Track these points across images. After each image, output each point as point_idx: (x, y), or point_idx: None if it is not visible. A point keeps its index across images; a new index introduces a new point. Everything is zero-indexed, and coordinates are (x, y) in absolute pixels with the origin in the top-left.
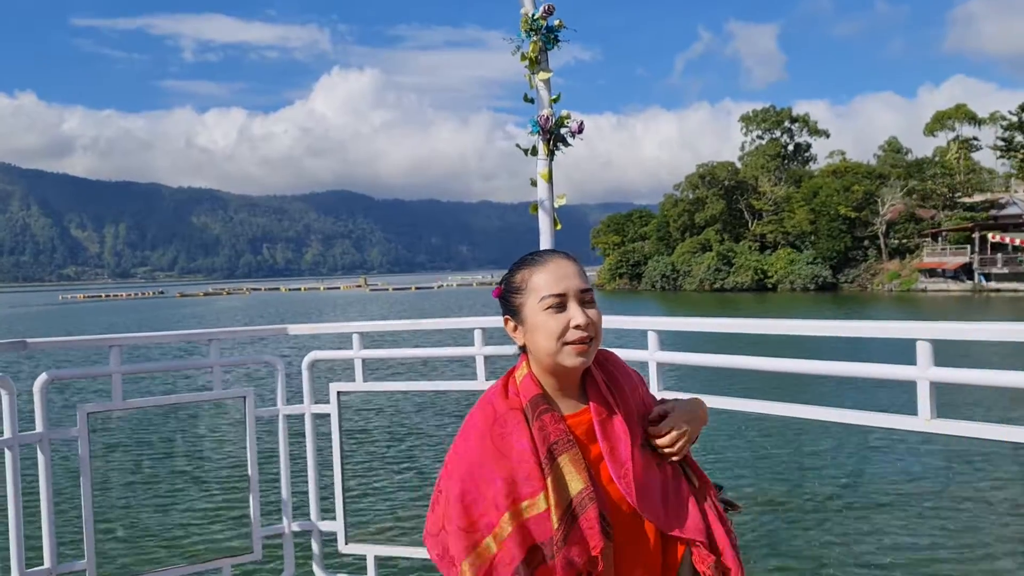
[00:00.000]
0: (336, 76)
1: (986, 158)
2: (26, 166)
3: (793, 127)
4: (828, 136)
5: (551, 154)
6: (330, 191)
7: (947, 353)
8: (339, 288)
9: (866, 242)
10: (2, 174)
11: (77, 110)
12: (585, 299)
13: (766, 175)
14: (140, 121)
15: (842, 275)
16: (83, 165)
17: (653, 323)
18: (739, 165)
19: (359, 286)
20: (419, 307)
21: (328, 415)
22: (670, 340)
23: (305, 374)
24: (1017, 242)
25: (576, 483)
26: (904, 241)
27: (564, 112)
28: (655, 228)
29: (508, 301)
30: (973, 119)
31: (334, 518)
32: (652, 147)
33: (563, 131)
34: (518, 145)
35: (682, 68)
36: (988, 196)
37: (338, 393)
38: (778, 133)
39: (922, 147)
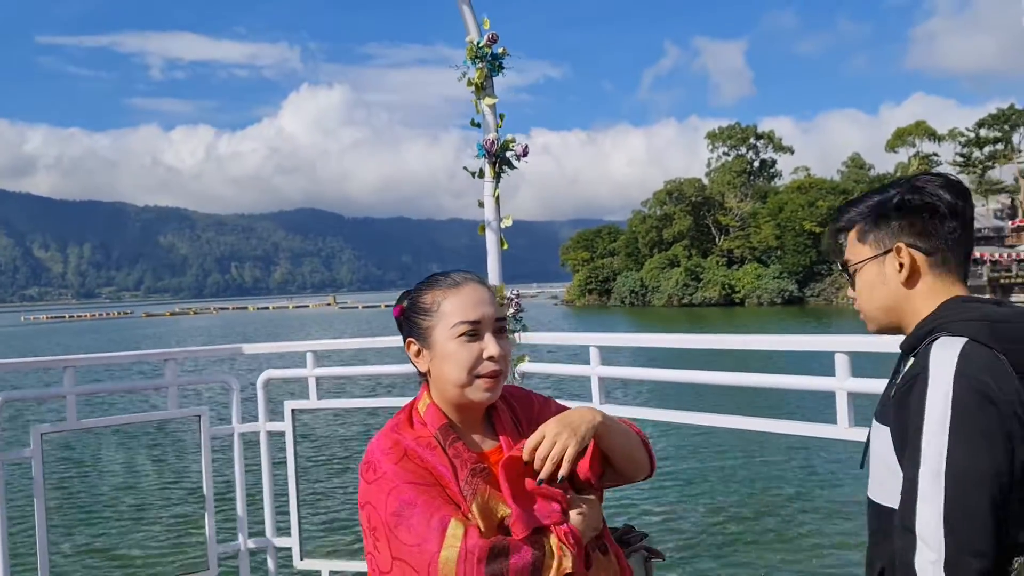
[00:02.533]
0: (305, 93)
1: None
2: None
3: (758, 144)
4: (792, 152)
5: (497, 176)
6: (299, 209)
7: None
8: (308, 306)
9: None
10: None
11: (41, 128)
12: (498, 328)
13: (732, 191)
14: (105, 139)
15: (808, 289)
16: (46, 184)
17: (595, 339)
18: (706, 181)
19: (329, 304)
20: (388, 325)
21: (283, 432)
22: (641, 356)
23: (260, 393)
24: (977, 255)
25: (502, 510)
26: None
27: (509, 136)
28: (624, 244)
29: (413, 323)
30: (933, 135)
31: (289, 534)
32: (621, 163)
33: (508, 154)
34: (465, 168)
35: (650, 83)
36: None
37: (292, 411)
38: (744, 150)
39: (884, 163)
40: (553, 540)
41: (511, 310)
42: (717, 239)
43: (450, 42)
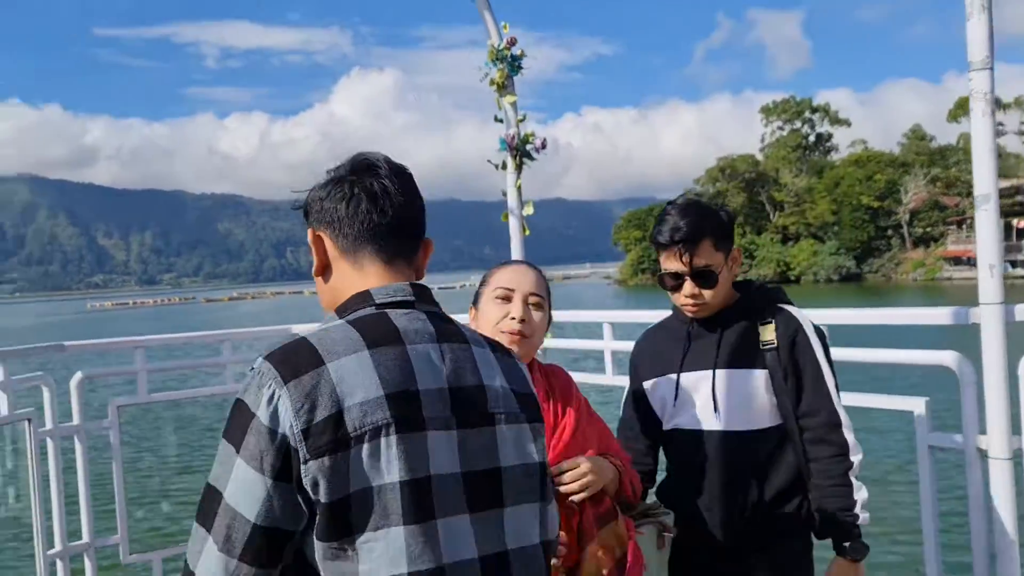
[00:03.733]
0: (356, 77)
1: (1011, 143)
2: (52, 176)
3: (814, 117)
4: (849, 125)
5: (519, 168)
6: None
7: None
8: None
9: (889, 231)
10: (30, 185)
11: (101, 120)
12: (531, 302)
13: (787, 166)
14: (163, 129)
15: (866, 265)
16: (108, 174)
17: (607, 316)
18: (760, 157)
19: None
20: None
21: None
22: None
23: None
24: None
25: None
26: (928, 230)
27: (529, 131)
28: None
29: (477, 293)
30: (998, 103)
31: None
32: (673, 140)
33: (528, 147)
34: (489, 160)
35: (702, 57)
36: (1014, 182)
37: (118, 407)
38: (799, 124)
39: (947, 134)
40: None
41: None
42: (771, 216)
43: (505, 20)
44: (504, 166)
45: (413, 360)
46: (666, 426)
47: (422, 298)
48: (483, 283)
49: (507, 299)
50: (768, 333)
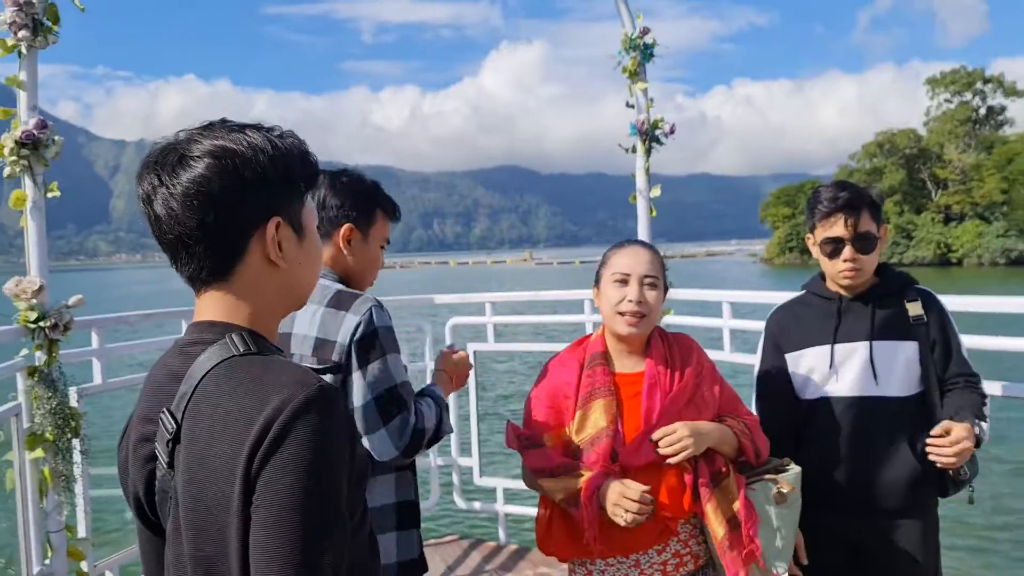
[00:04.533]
0: (505, 51)
1: None
2: None
3: (986, 89)
4: None
5: (648, 151)
6: (498, 166)
7: None
8: (505, 262)
9: None
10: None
11: (265, 93)
12: (646, 283)
13: (953, 142)
14: (321, 102)
15: None
16: None
17: (727, 296)
18: (923, 132)
19: (525, 260)
20: (579, 281)
21: None
22: None
23: (447, 335)
24: None
25: (600, 423)
26: None
27: (658, 116)
28: None
29: (597, 273)
30: None
31: (471, 455)
32: (830, 114)
33: (657, 132)
34: (620, 144)
35: (866, 25)
36: None
37: (474, 352)
38: (969, 96)
39: None
40: (583, 479)
41: None
42: (933, 194)
43: None
44: (634, 150)
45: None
46: (812, 395)
47: None
48: (603, 264)
49: (624, 282)
50: (916, 309)
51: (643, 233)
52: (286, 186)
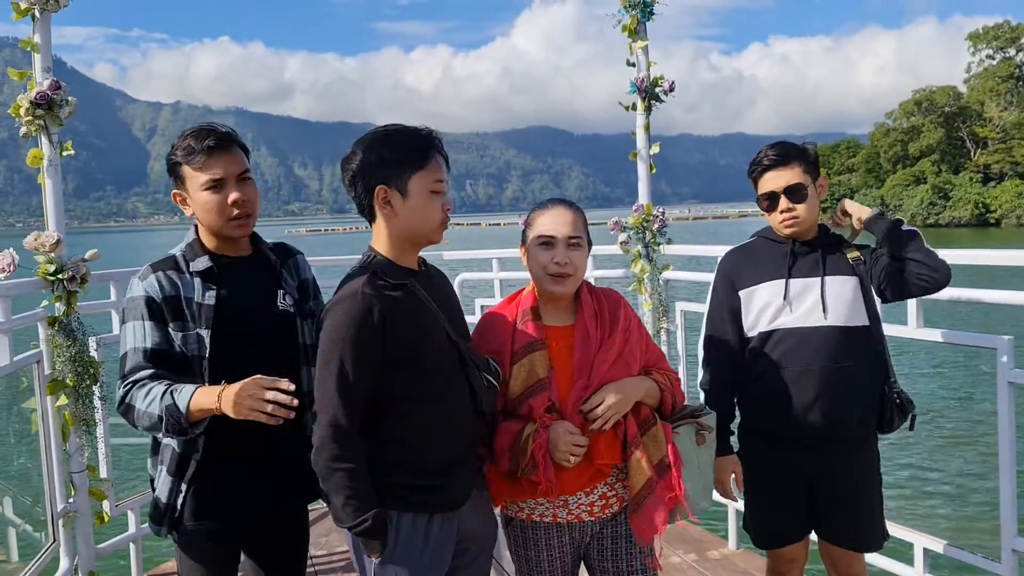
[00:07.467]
0: (537, 10)
1: None
2: (255, 110)
3: None
4: None
5: (648, 109)
6: (530, 127)
7: None
8: None
9: None
10: (236, 118)
11: (299, 55)
12: (571, 243)
13: (995, 99)
14: (354, 63)
15: None
16: (304, 107)
17: (720, 251)
18: (963, 89)
19: None
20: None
21: None
22: None
23: (457, 290)
24: None
25: (537, 374)
26: None
27: (657, 74)
28: (863, 160)
29: (524, 233)
30: None
31: None
32: (869, 71)
33: (657, 90)
34: (620, 103)
35: None
36: None
37: (481, 307)
38: (1012, 52)
39: None
40: (530, 428)
41: (655, 226)
42: (972, 153)
43: None
44: (634, 107)
45: None
46: (765, 327)
47: None
48: (528, 225)
49: (550, 244)
50: (854, 253)
51: (644, 193)
52: (390, 164)
